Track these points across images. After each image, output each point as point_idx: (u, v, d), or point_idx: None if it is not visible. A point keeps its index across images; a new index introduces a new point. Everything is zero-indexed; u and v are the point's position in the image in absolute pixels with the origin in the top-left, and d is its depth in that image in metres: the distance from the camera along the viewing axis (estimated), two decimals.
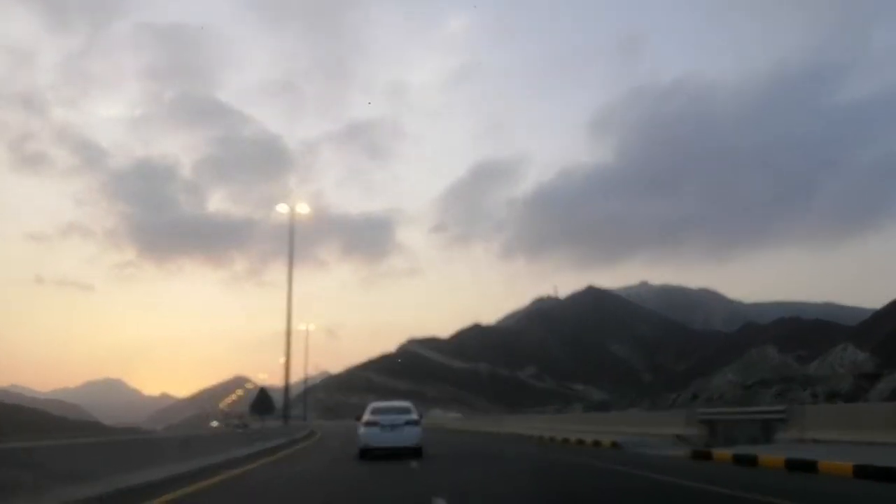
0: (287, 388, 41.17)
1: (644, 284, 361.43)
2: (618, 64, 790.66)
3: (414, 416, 17.08)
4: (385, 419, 16.71)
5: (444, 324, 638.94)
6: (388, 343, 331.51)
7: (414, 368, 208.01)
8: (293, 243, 35.78)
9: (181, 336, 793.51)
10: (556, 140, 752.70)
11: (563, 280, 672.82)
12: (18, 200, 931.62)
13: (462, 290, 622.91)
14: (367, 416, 16.96)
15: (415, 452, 16.22)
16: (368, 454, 16.36)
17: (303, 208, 36.88)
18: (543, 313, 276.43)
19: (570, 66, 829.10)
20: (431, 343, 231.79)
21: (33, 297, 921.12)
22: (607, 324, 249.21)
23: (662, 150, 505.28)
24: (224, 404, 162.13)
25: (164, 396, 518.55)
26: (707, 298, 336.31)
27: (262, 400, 67.44)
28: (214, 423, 79.15)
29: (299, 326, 63.72)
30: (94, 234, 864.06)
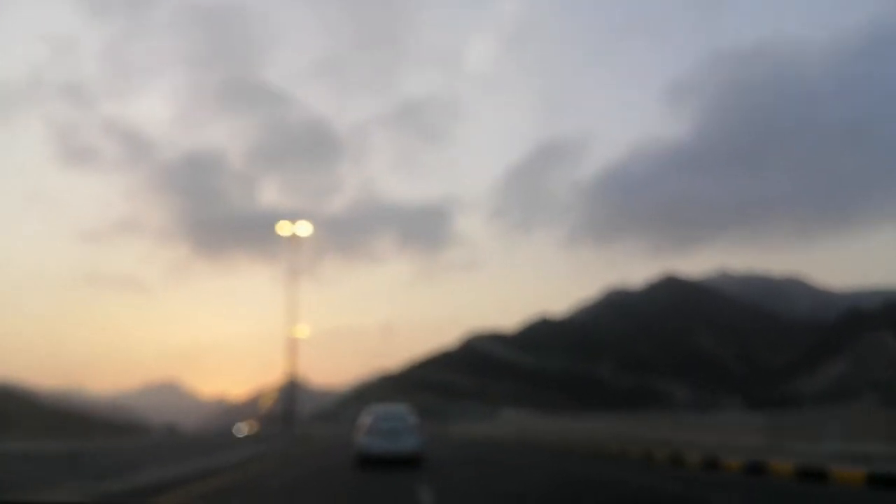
0: (290, 393, 44.36)
1: (723, 271, 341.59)
2: (695, 24, 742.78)
3: (414, 423, 16.12)
4: (384, 425, 15.84)
5: (507, 316, 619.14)
6: (448, 338, 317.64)
7: (477, 365, 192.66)
8: (296, 260, 38.62)
9: (236, 334, 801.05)
10: (625, 113, 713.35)
11: (634, 267, 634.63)
12: (69, 196, 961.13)
13: (525, 280, 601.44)
14: (364, 422, 16.20)
15: (415, 460, 15.34)
16: (367, 463, 15.34)
17: (306, 228, 38.45)
18: (616, 304, 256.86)
19: (642, 28, 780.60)
20: (495, 337, 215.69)
21: (89, 298, 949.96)
22: (689, 314, 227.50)
23: (745, 122, 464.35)
24: (267, 406, 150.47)
25: (220, 398, 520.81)
26: (793, 285, 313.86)
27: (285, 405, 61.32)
28: (240, 427, 72.61)
29: (302, 330, 53.95)
30: (145, 231, 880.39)
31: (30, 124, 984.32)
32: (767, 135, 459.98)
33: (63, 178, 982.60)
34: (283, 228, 37.48)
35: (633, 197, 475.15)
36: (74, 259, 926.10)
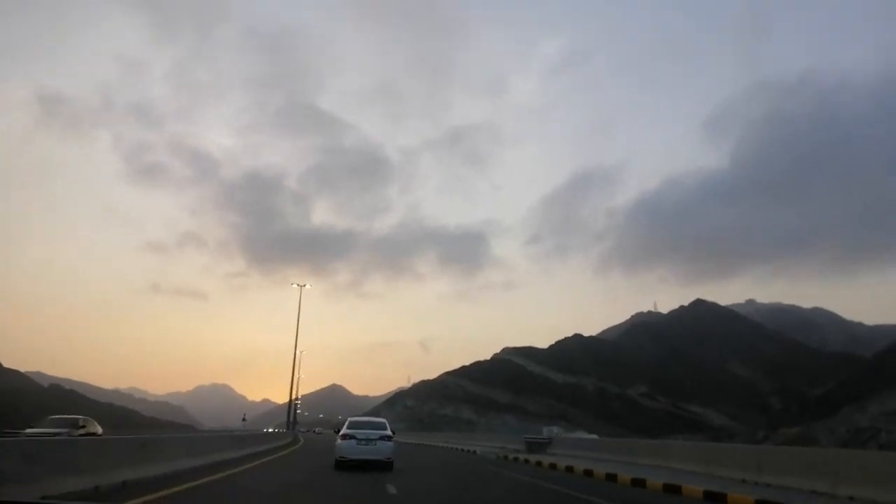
0: (291, 400, 59.06)
1: (752, 302, 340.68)
2: (737, 55, 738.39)
3: (387, 433, 17.89)
4: (360, 433, 17.54)
5: (539, 337, 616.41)
6: (482, 354, 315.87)
7: (511, 379, 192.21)
8: (300, 317, 50.82)
9: (285, 344, 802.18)
10: (663, 143, 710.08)
11: (662, 296, 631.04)
12: (137, 210, 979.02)
13: (557, 303, 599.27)
14: (344, 430, 17.84)
15: (386, 466, 17.17)
16: (343, 465, 17.16)
17: (308, 288, 54.47)
18: (645, 328, 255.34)
19: (682, 59, 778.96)
20: (528, 352, 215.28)
21: (152, 305, 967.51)
22: (721, 341, 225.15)
23: (783, 154, 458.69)
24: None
25: (266, 402, 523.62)
26: (822, 319, 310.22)
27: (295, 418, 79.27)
28: (270, 430, 78.29)
29: (300, 347, 71.81)
30: (207, 245, 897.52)
31: (101, 142, 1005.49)
32: (805, 167, 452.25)
33: (132, 193, 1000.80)
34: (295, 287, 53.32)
35: (665, 226, 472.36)
36: (141, 269, 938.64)
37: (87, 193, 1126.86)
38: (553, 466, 22.66)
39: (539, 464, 24.38)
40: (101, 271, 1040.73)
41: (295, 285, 53.02)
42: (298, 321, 50.95)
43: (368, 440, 17.34)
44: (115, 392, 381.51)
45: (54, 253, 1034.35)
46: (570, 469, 20.95)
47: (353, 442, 17.30)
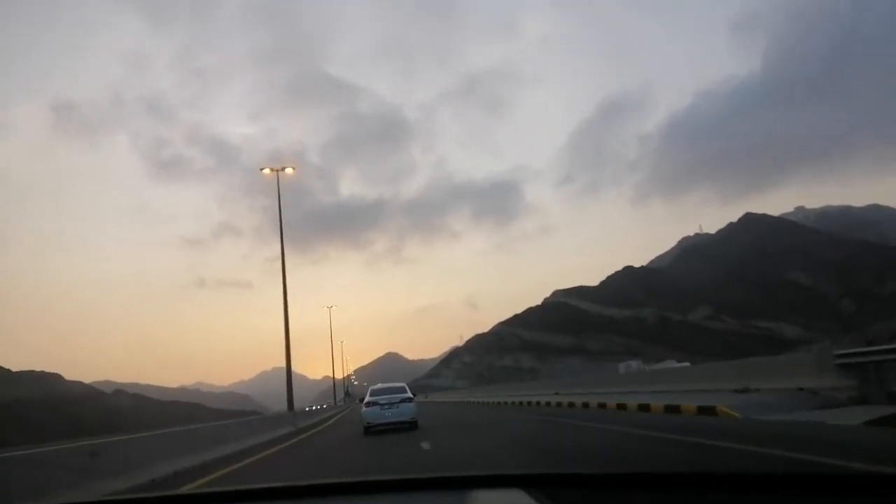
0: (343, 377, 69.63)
1: (801, 209, 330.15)
2: None
3: (408, 395, 18.83)
4: (383, 399, 18.57)
5: (586, 276, 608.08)
6: (531, 301, 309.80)
7: (566, 321, 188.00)
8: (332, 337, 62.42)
9: (337, 321, 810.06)
10: (689, 57, 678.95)
11: (706, 217, 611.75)
12: (167, 206, 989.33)
13: (598, 240, 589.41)
14: (367, 398, 19.03)
15: (411, 425, 18.00)
16: (371, 430, 18.15)
17: (335, 308, 55.72)
18: (696, 250, 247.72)
19: None
20: (579, 291, 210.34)
21: (199, 300, 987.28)
22: (778, 252, 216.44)
23: (821, 46, 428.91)
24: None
25: (326, 378, 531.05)
26: (877, 215, 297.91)
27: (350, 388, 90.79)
28: (314, 407, 77.02)
29: (329, 315, 69.06)
30: (242, 233, 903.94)
31: (119, 144, 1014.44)
32: (845, 58, 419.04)
33: (159, 190, 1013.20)
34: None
35: (701, 143, 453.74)
36: (182, 265, 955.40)
37: (115, 196, 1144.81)
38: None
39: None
40: (145, 273, 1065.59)
41: (326, 308, 61.52)
42: (332, 341, 60.94)
43: (391, 404, 18.24)
44: (182, 390, 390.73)
45: (95, 262, 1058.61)
46: None
47: (377, 408, 18.27)
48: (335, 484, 1.82)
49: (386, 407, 18.17)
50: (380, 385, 20.75)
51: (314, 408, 64.65)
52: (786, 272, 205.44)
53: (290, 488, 1.89)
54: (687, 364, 57.76)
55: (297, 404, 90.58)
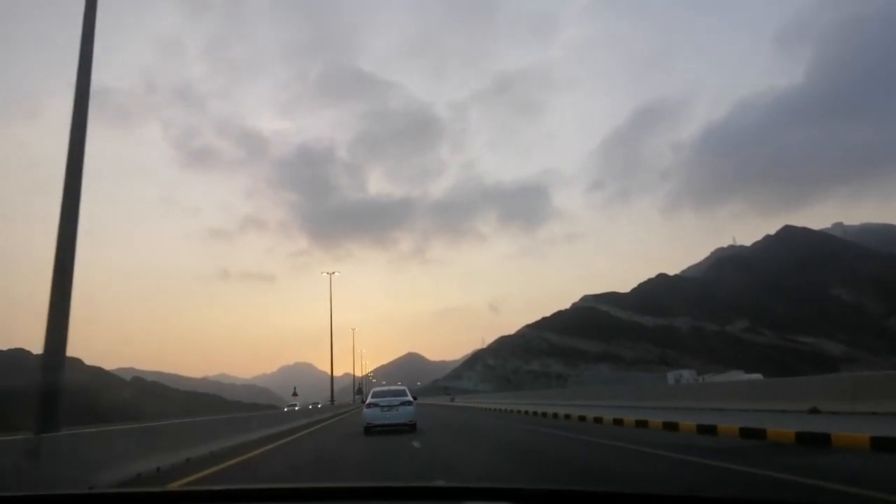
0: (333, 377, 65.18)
1: (839, 225, 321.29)
2: None
3: (408, 398, 19.14)
4: (383, 401, 18.96)
5: (615, 284, 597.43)
6: (557, 306, 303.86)
7: (596, 327, 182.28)
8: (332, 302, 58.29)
9: (358, 318, 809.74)
10: (730, 65, 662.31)
11: (740, 229, 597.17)
12: (195, 197, 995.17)
13: (626, 249, 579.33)
14: (369, 400, 19.64)
15: (409, 428, 18.28)
16: (370, 430, 18.47)
17: (337, 275, 61.01)
18: (731, 262, 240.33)
19: None
20: (610, 297, 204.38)
21: (223, 291, 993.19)
22: (819, 267, 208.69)
23: (867, 62, 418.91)
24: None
25: (346, 375, 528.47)
26: None
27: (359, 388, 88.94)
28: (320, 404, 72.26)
29: (348, 327, 76.12)
30: (267, 227, 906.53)
31: (150, 131, 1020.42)
32: (889, 76, 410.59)
33: (187, 180, 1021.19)
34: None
35: (737, 155, 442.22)
36: (208, 257, 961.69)
37: (143, 185, 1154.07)
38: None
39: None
40: (171, 263, 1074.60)
41: (324, 273, 58.96)
42: (332, 308, 57.35)
43: (391, 406, 18.60)
44: (203, 380, 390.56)
45: (120, 249, 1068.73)
46: None
47: (377, 409, 18.65)
48: (321, 489, 1.76)
49: (386, 409, 18.55)
50: (381, 387, 22.02)
51: (318, 405, 62.22)
52: (827, 287, 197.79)
53: (274, 490, 1.83)
54: (759, 376, 49.22)
55: (313, 399, 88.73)
